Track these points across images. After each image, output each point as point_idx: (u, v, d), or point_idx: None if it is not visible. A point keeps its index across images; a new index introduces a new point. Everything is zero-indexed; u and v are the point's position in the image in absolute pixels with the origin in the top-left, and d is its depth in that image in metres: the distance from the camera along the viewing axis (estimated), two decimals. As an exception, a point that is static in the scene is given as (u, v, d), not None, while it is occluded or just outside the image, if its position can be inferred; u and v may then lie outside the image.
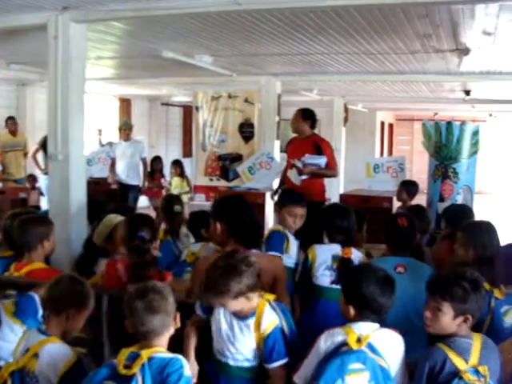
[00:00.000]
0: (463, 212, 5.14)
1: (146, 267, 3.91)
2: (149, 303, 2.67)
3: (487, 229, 3.94)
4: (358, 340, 2.76)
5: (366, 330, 2.83)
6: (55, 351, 2.89)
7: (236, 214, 3.81)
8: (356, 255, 4.25)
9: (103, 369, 2.66)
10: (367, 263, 3.79)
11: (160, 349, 2.67)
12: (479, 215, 5.83)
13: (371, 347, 2.76)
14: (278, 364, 3.00)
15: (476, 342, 2.85)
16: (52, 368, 2.83)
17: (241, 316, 3.05)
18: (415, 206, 6.16)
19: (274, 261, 3.91)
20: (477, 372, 2.72)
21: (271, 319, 3.02)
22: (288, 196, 4.97)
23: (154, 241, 4.10)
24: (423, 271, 3.87)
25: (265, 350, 3.00)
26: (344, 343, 2.77)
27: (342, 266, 4.09)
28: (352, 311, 2.91)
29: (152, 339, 2.68)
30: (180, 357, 2.66)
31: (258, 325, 3.01)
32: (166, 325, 2.71)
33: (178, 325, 2.79)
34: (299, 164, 6.94)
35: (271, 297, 3.18)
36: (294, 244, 4.58)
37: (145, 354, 2.61)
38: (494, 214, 12.67)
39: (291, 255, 4.51)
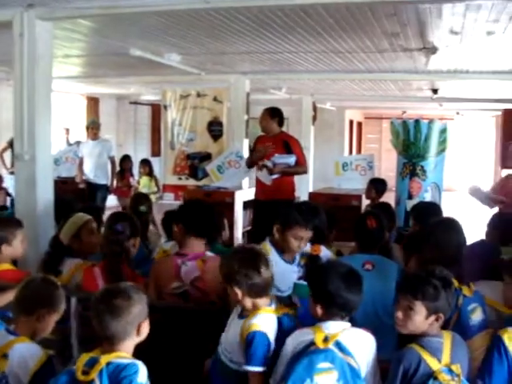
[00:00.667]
0: (431, 209, 5.20)
1: (119, 257, 3.91)
2: (112, 307, 2.60)
3: (453, 226, 3.98)
4: (325, 339, 2.75)
5: (335, 328, 2.82)
6: (25, 350, 2.87)
7: (190, 213, 4.03)
8: (325, 253, 4.26)
9: (62, 376, 2.60)
10: (331, 260, 3.77)
11: (121, 353, 2.60)
12: (447, 212, 5.89)
13: (340, 346, 2.75)
14: (253, 369, 2.92)
15: (446, 340, 2.86)
16: (23, 366, 2.81)
17: (242, 315, 3.08)
18: (382, 203, 6.20)
19: None
20: (450, 371, 2.73)
21: (258, 323, 2.96)
22: (295, 216, 4.10)
23: (133, 238, 4.15)
24: (391, 268, 3.91)
25: (244, 351, 2.95)
26: (312, 343, 2.75)
27: (310, 262, 4.08)
28: (320, 310, 2.90)
29: (115, 344, 2.61)
30: (138, 362, 2.59)
31: (244, 324, 2.99)
32: (128, 332, 2.63)
33: (143, 334, 2.70)
34: (269, 164, 6.97)
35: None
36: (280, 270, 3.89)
37: (104, 359, 2.55)
38: (462, 211, 12.82)
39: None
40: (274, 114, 7.35)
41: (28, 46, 5.19)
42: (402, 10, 5.03)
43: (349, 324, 2.90)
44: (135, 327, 2.65)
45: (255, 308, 3.03)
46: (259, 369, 2.92)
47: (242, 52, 7.54)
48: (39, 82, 5.29)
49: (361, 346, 2.84)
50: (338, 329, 2.83)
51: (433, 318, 2.87)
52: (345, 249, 4.98)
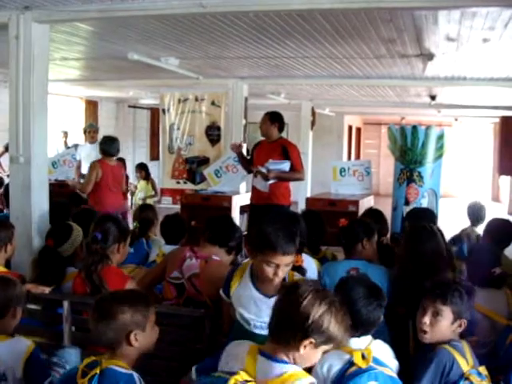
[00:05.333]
0: (425, 215, 5.22)
1: (98, 263, 3.86)
2: (101, 310, 2.65)
3: (426, 234, 4.00)
4: (363, 357, 2.67)
5: (363, 343, 2.79)
6: (13, 343, 3.03)
7: (216, 225, 4.21)
8: (308, 262, 4.17)
9: (67, 373, 2.71)
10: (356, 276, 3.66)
11: (119, 362, 2.57)
12: (445, 218, 5.91)
13: (375, 360, 2.70)
14: None
15: (465, 345, 2.97)
16: (16, 357, 2.94)
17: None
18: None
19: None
20: (479, 373, 2.81)
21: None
22: None
23: (118, 243, 4.02)
24: (376, 272, 3.94)
25: None
26: (348, 363, 2.66)
27: None
28: None
29: (114, 351, 2.61)
30: (134, 374, 2.56)
31: None
32: (118, 337, 2.60)
33: (138, 344, 2.63)
34: (263, 170, 6.93)
35: None
36: None
37: (104, 364, 2.54)
38: (459, 217, 12.81)
39: None
40: (274, 118, 7.24)
41: (24, 48, 5.17)
42: (397, 15, 5.03)
43: (370, 336, 2.87)
44: (123, 335, 2.61)
45: None
46: None
47: (239, 57, 7.55)
48: (35, 85, 5.26)
49: (387, 354, 2.85)
50: (365, 343, 2.79)
51: (457, 324, 2.98)
52: (340, 254, 4.98)
